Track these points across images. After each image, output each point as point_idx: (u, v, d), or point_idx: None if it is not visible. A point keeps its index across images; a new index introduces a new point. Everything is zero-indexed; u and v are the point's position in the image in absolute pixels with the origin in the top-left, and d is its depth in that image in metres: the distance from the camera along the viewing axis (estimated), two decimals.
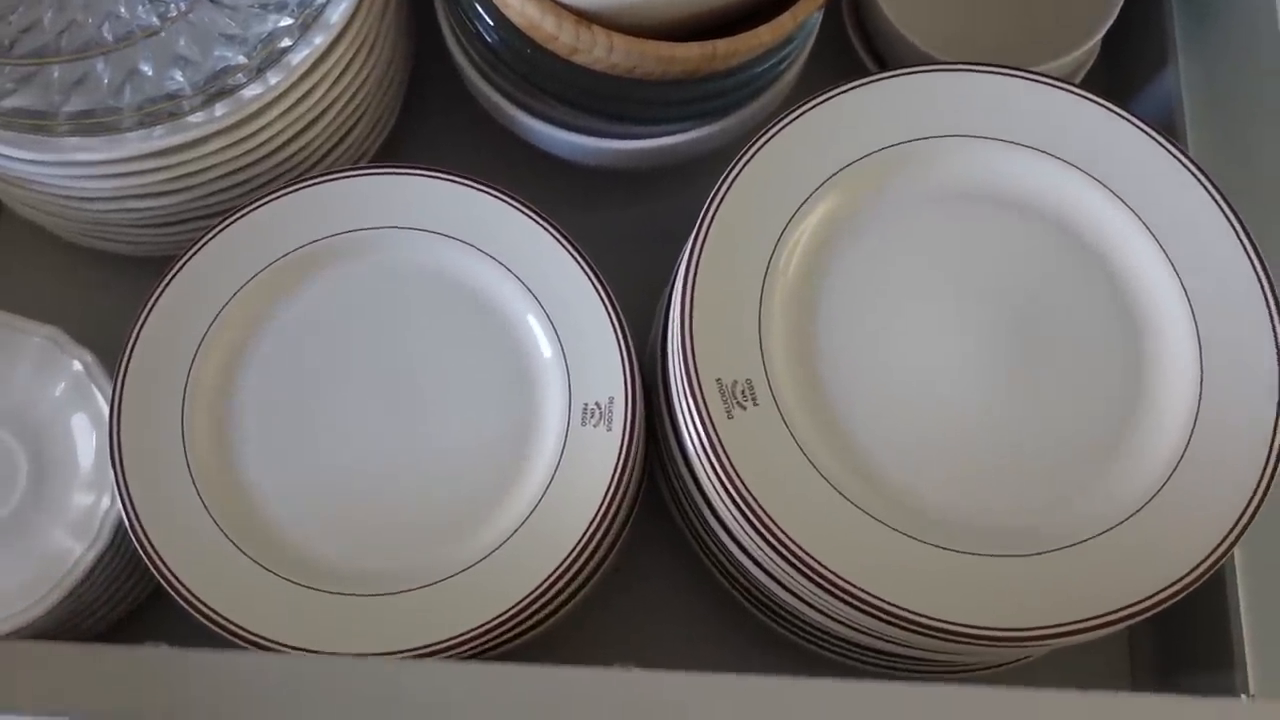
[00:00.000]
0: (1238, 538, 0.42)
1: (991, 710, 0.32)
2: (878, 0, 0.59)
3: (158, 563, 0.46)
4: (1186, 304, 0.46)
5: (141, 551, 0.46)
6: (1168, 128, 0.58)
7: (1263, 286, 0.45)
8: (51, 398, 0.54)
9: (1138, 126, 0.48)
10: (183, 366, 0.49)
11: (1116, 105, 0.48)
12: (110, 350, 0.51)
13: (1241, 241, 0.46)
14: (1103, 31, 0.59)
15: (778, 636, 0.52)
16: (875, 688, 0.33)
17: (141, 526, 0.47)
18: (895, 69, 0.49)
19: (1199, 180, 0.47)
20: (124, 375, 0.49)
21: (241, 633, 0.45)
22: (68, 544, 0.51)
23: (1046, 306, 0.47)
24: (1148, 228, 0.47)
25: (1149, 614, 0.41)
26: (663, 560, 0.57)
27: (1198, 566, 0.42)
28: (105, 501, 0.51)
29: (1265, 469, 0.43)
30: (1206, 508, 0.43)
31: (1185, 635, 0.52)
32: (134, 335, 0.49)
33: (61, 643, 0.37)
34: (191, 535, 0.47)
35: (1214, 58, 0.58)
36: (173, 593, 0.46)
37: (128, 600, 0.54)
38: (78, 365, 0.53)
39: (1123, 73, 0.65)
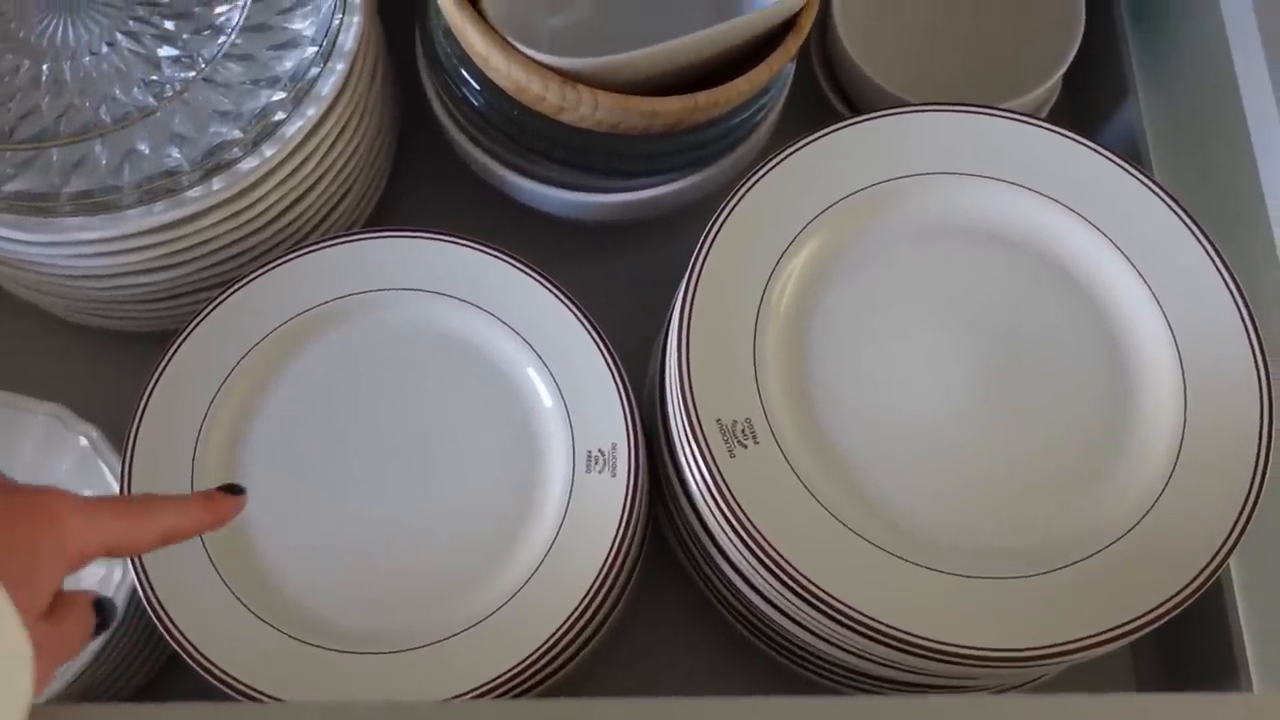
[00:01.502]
0: (1232, 548, 0.43)
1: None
2: (846, 49, 0.61)
3: (174, 631, 0.46)
4: (1165, 323, 0.47)
5: (157, 621, 0.47)
6: (1133, 155, 0.60)
7: (1236, 302, 0.47)
8: (58, 475, 0.54)
9: (1105, 155, 0.50)
10: (190, 436, 0.50)
11: (1082, 136, 0.50)
12: (114, 426, 0.52)
13: (1211, 257, 0.48)
14: (1063, 68, 0.61)
15: (788, 673, 0.53)
16: (887, 703, 0.33)
17: (156, 597, 0.47)
18: (866, 112, 0.51)
19: (1166, 203, 0.49)
20: (132, 448, 0.49)
21: (259, 696, 0.45)
22: None
23: (1030, 333, 0.48)
24: (1121, 251, 0.49)
25: (1150, 628, 0.42)
26: (668, 603, 0.58)
27: (1194, 579, 0.43)
28: (117, 574, 0.51)
29: (1253, 483, 0.44)
30: (1200, 520, 0.44)
31: (1187, 648, 0.53)
32: (140, 409, 0.50)
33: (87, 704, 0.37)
34: (206, 603, 0.47)
35: (1172, 86, 0.61)
36: (189, 659, 0.46)
37: (144, 670, 0.54)
38: (83, 441, 0.54)
39: (1086, 106, 0.67)
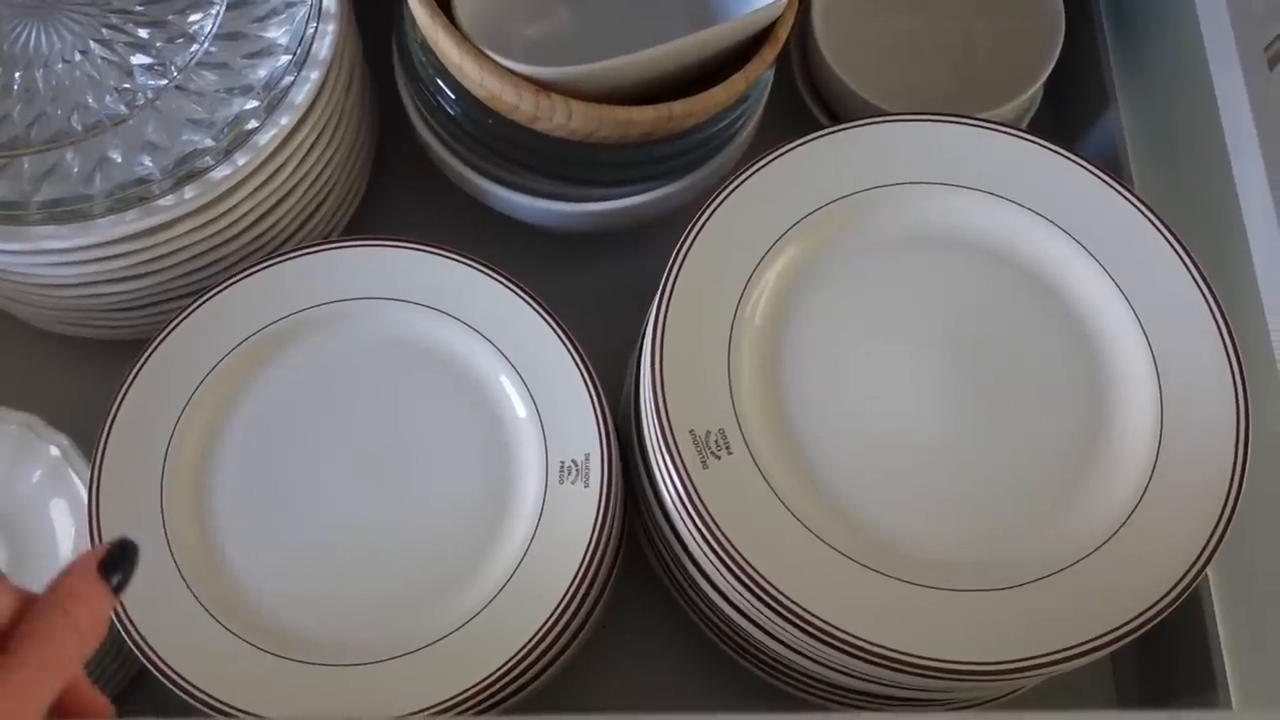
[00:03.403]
0: (1210, 557, 0.43)
1: None
2: (826, 58, 0.61)
3: (142, 645, 0.46)
4: (1141, 334, 0.47)
5: (125, 634, 0.46)
6: (1113, 166, 0.60)
7: (1213, 313, 0.47)
8: (29, 484, 0.54)
9: (1083, 166, 0.50)
10: (160, 446, 0.50)
11: (1062, 147, 0.50)
12: (86, 435, 0.51)
13: (1190, 272, 0.48)
14: (1043, 78, 0.61)
15: (764, 684, 0.52)
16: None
17: (124, 609, 0.46)
18: (846, 122, 0.51)
19: (1146, 215, 0.49)
20: (102, 458, 0.49)
21: (229, 710, 0.45)
22: None
23: (1006, 343, 0.48)
24: (1099, 263, 0.48)
25: (1129, 639, 0.42)
26: (643, 614, 0.58)
27: (1169, 593, 0.43)
28: None
29: (1229, 495, 0.44)
30: (1178, 531, 0.44)
31: (1167, 658, 0.53)
32: (110, 418, 0.50)
33: None
34: (175, 614, 0.47)
35: (1152, 97, 0.61)
36: (159, 674, 0.46)
37: (113, 683, 0.53)
38: (54, 450, 0.53)
39: (1067, 116, 0.67)
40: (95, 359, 0.60)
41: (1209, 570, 0.44)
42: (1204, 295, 0.47)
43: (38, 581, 0.51)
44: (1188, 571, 0.43)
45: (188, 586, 0.47)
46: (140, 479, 0.49)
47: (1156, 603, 0.43)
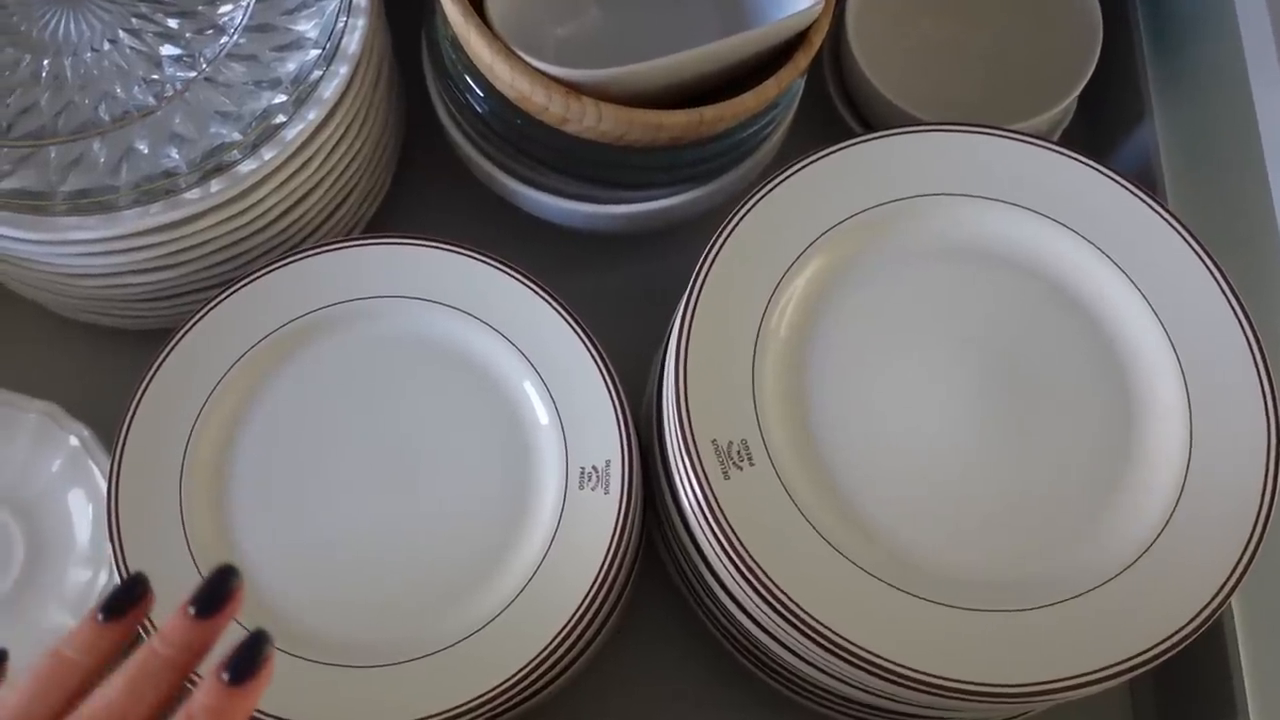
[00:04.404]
0: (1234, 587, 0.42)
1: None
2: (860, 65, 0.61)
3: None
4: (1172, 353, 0.47)
5: (143, 631, 0.46)
6: (1146, 180, 0.59)
7: (1246, 333, 0.46)
8: (48, 473, 0.54)
9: (1116, 180, 0.49)
10: (180, 440, 0.50)
11: (1095, 160, 0.49)
12: (106, 425, 0.51)
13: (1223, 289, 0.47)
14: (1079, 89, 0.60)
15: (779, 696, 0.52)
16: None
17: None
18: (878, 130, 0.50)
19: (1178, 231, 0.48)
20: (122, 449, 0.49)
21: None
22: (64, 621, 0.51)
23: (1034, 359, 0.47)
24: (1130, 279, 0.48)
25: (1148, 667, 0.41)
26: (661, 622, 0.57)
27: (1194, 619, 0.42)
28: (102, 577, 0.51)
29: (1258, 519, 0.43)
30: (1202, 557, 0.43)
31: (1187, 687, 0.52)
32: (132, 409, 0.49)
33: None
34: None
35: (1188, 110, 0.60)
36: None
37: None
38: (74, 440, 0.54)
39: (1101, 128, 0.66)
40: (118, 349, 0.60)
41: (1232, 598, 0.43)
42: (1236, 313, 0.47)
43: (51, 569, 0.52)
44: (1213, 598, 0.42)
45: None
46: (160, 473, 0.49)
47: (1179, 629, 0.42)
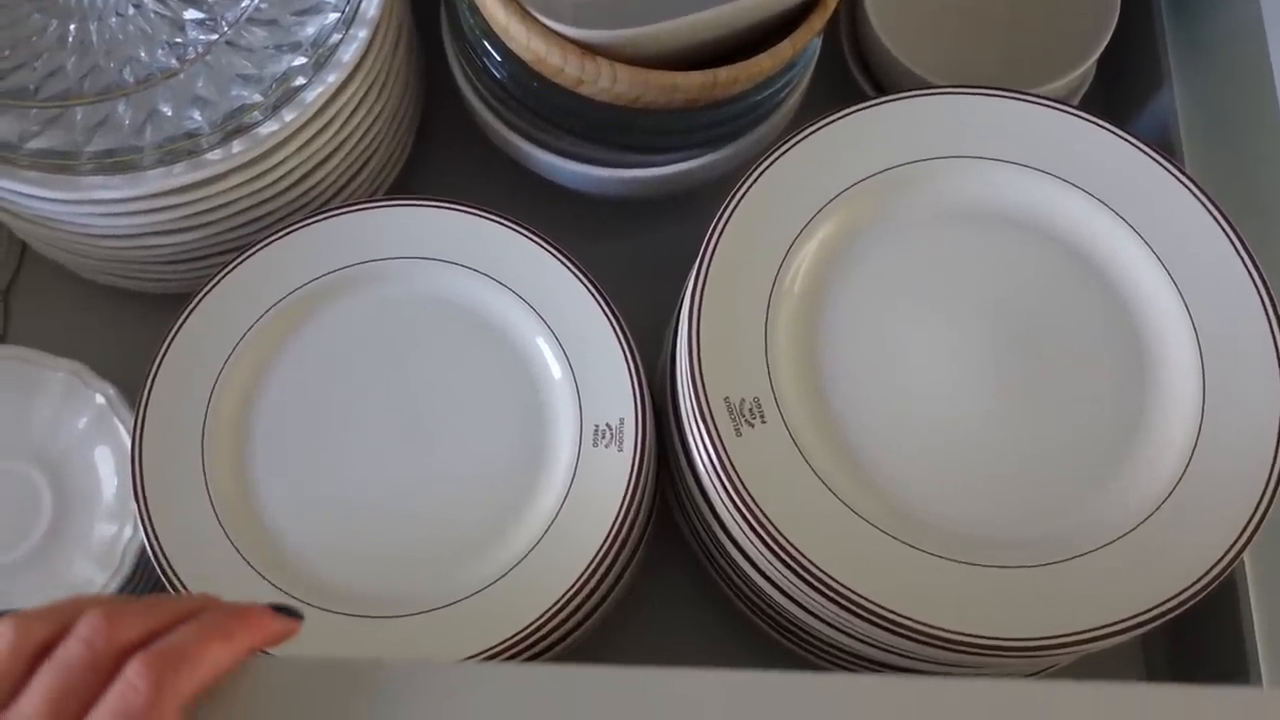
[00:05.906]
0: (1247, 542, 0.43)
1: (1010, 703, 0.32)
2: (875, 28, 0.61)
3: (181, 590, 0.47)
4: (1187, 315, 0.47)
5: (165, 579, 0.47)
6: (1164, 145, 0.59)
7: (1260, 295, 0.46)
8: (75, 431, 0.55)
9: (1134, 144, 0.49)
10: (202, 398, 0.50)
11: (1114, 125, 0.49)
12: (132, 384, 0.52)
13: (1239, 253, 0.47)
14: (1097, 54, 0.60)
15: (791, 654, 0.52)
16: (894, 682, 0.33)
17: (165, 555, 0.47)
18: (892, 93, 0.50)
19: (1195, 195, 0.48)
20: (145, 407, 0.50)
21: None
22: (91, 574, 0.52)
23: (1048, 320, 0.48)
24: (1146, 242, 0.48)
25: (1161, 621, 0.42)
26: (674, 580, 0.58)
27: (1207, 574, 0.42)
28: (128, 531, 0.52)
29: (1270, 477, 0.43)
30: (1215, 514, 0.43)
31: (1198, 642, 0.52)
32: (155, 368, 0.50)
33: None
34: (213, 562, 0.48)
35: (1207, 76, 0.59)
36: None
37: None
38: (100, 399, 0.55)
39: (1119, 93, 0.66)
40: (142, 311, 0.61)
41: (1245, 554, 0.43)
42: (1251, 276, 0.46)
43: (79, 524, 0.53)
44: (1225, 554, 0.42)
45: (228, 537, 0.48)
46: (182, 430, 0.50)
47: (1192, 585, 0.42)
